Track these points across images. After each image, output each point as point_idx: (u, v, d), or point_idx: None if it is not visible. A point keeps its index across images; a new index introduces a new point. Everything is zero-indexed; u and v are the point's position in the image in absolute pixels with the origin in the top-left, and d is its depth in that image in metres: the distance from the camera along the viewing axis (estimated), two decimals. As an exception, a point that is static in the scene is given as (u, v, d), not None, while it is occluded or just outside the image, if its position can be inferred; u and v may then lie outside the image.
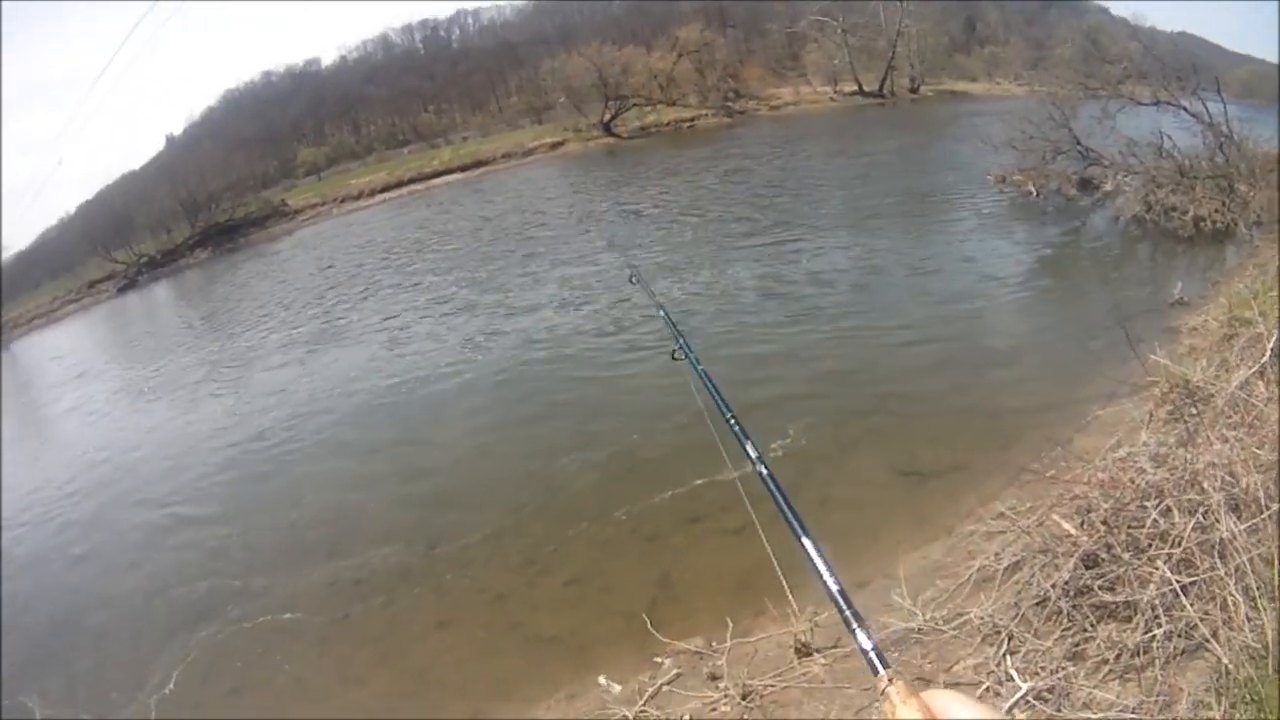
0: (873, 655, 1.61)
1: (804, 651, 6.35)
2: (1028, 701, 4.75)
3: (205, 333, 31.46)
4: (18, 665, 10.59)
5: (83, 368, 33.29)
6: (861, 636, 1.68)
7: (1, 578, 13.49)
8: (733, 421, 3.14)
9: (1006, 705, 4.74)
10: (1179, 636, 4.69)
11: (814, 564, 1.97)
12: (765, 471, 2.57)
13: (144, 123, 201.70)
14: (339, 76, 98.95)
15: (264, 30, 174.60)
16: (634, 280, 5.18)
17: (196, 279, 54.87)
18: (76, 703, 9.29)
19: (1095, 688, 4.71)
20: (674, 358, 4.17)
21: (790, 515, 2.19)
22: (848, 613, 1.78)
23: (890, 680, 1.48)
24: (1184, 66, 21.23)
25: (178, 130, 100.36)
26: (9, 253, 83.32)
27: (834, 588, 1.86)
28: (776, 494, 2.34)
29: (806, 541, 2.03)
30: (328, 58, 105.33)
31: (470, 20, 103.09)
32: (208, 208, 71.05)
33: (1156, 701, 4.46)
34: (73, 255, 75.79)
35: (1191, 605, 4.74)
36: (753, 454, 2.80)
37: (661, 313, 4.35)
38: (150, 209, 72.87)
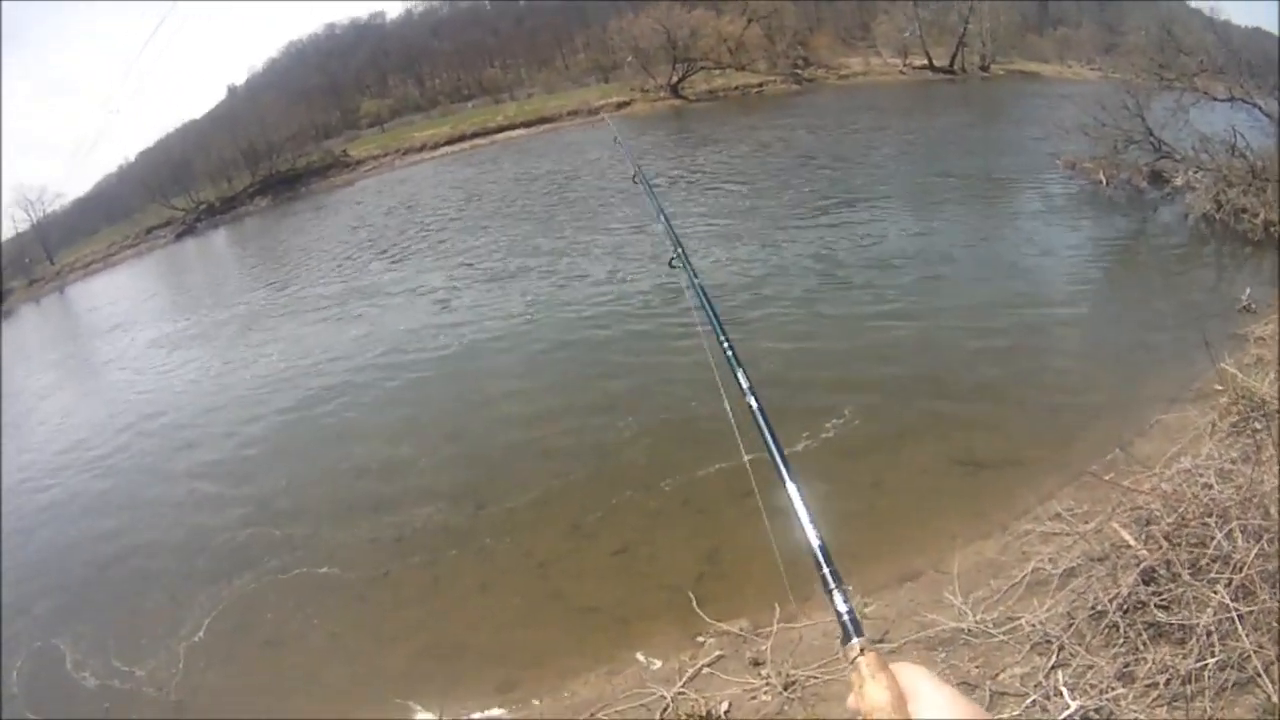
0: (847, 620, 1.56)
1: (849, 643, 6.29)
2: (1075, 720, 4.69)
3: (262, 282, 31.79)
4: (53, 609, 10.78)
5: (136, 315, 33.87)
6: (839, 599, 1.62)
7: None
8: (727, 346, 3.08)
9: (1055, 721, 4.69)
10: (1231, 668, 4.60)
11: (796, 511, 1.91)
12: (755, 405, 2.52)
13: (206, 73, 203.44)
14: (404, 29, 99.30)
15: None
16: (637, 180, 5.08)
17: (255, 226, 55.59)
18: (107, 648, 9.40)
19: (1142, 713, 4.64)
20: (671, 265, 4.13)
21: (776, 454, 2.13)
22: (826, 571, 1.72)
23: (861, 650, 1.43)
24: (1260, 63, 20.79)
25: (240, 81, 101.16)
26: (67, 200, 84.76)
27: (815, 542, 1.80)
28: (764, 429, 2.27)
29: (791, 486, 1.97)
30: (393, 11, 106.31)
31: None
32: (269, 157, 71.92)
33: (1203, 734, 4.39)
34: (131, 202, 76.99)
35: (1247, 636, 4.64)
36: (744, 383, 2.75)
37: (662, 218, 4.26)
38: (210, 157, 73.95)
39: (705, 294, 3.50)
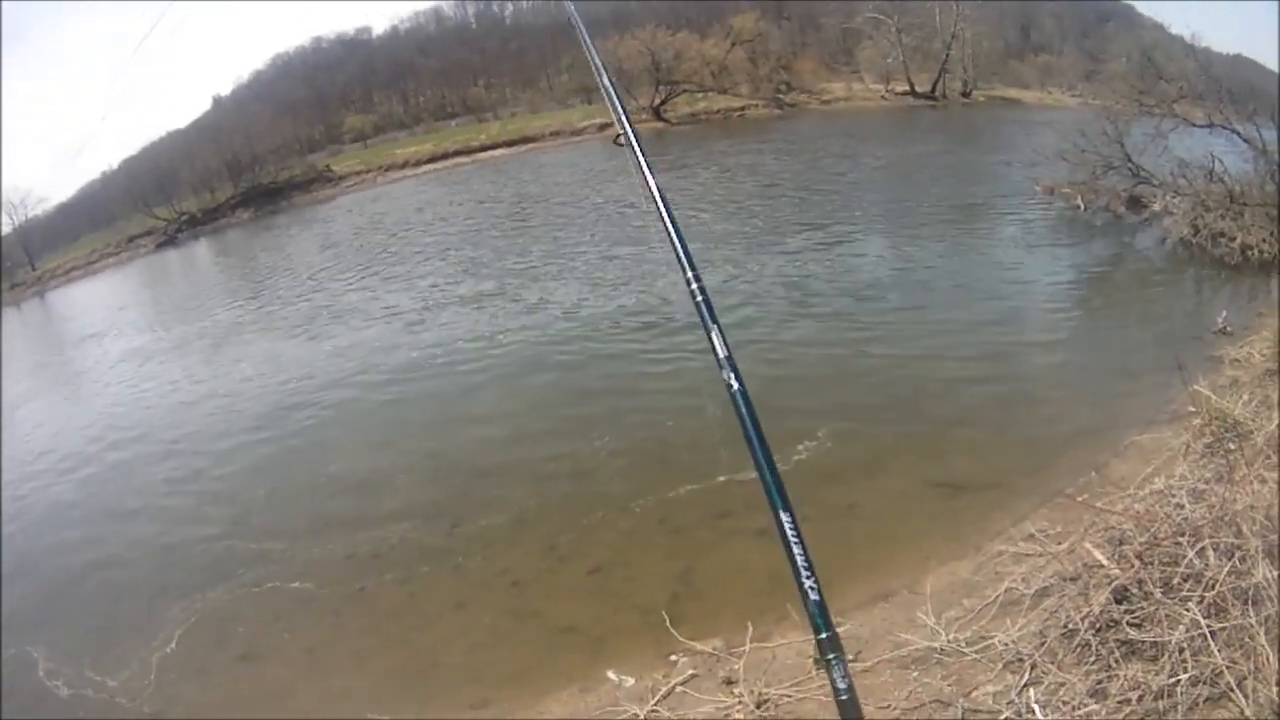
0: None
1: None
2: (1047, 738, 4.68)
3: (239, 297, 31.72)
4: (28, 617, 10.70)
5: (117, 324, 33.70)
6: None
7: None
8: (696, 290, 3.09)
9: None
10: (1204, 684, 4.59)
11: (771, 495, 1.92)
12: (735, 386, 2.52)
13: (192, 82, 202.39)
14: (390, 45, 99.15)
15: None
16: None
17: (237, 238, 55.60)
18: (80, 656, 9.34)
19: (1115, 729, 4.64)
20: (616, 143, 4.17)
21: (754, 437, 2.12)
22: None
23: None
24: (1240, 90, 20.96)
25: (225, 91, 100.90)
26: (50, 205, 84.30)
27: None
28: (742, 408, 2.25)
29: (769, 477, 1.98)
30: (379, 26, 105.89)
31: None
32: (252, 169, 71.68)
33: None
34: (114, 209, 76.64)
35: (1220, 652, 4.64)
36: (720, 351, 2.75)
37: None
38: (194, 167, 73.61)
39: (661, 195, 3.59)
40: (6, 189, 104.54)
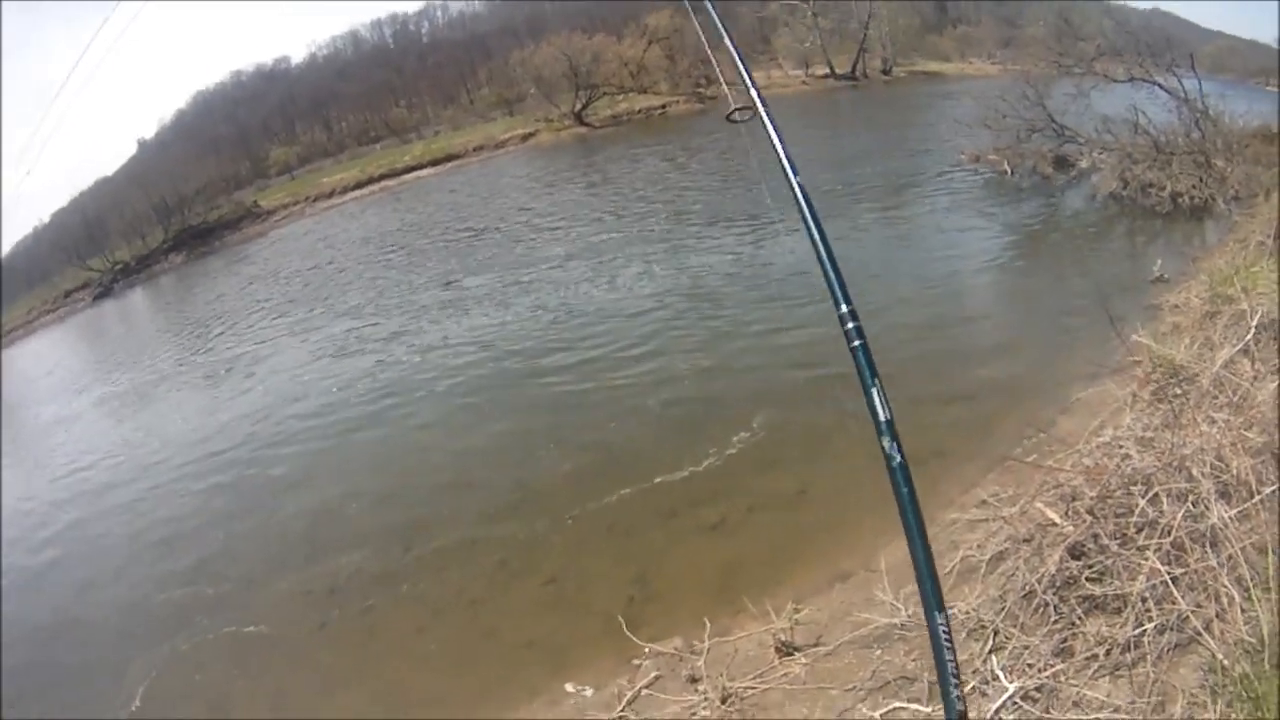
0: None
1: (785, 651, 6.22)
2: (1014, 703, 4.58)
3: (182, 341, 31.20)
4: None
5: (60, 381, 33.26)
6: None
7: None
8: (852, 330, 2.89)
9: (994, 707, 4.58)
10: (1171, 630, 4.54)
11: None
12: (898, 460, 2.33)
13: (115, 127, 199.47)
14: (309, 74, 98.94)
15: (233, 30, 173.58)
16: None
17: (171, 284, 55.07)
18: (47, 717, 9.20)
19: (1085, 686, 4.56)
20: (731, 119, 3.90)
21: (914, 525, 1.94)
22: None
23: None
24: (1157, 43, 21.21)
25: (149, 133, 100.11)
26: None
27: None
28: (902, 486, 2.06)
29: (925, 571, 1.79)
30: (298, 56, 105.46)
31: (439, 13, 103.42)
32: (180, 211, 71.12)
33: (1149, 701, 4.30)
34: (48, 265, 75.91)
35: (1183, 597, 4.60)
36: (880, 414, 2.57)
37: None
38: (124, 214, 73.13)
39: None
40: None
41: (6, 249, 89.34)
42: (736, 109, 3.89)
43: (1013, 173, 21.97)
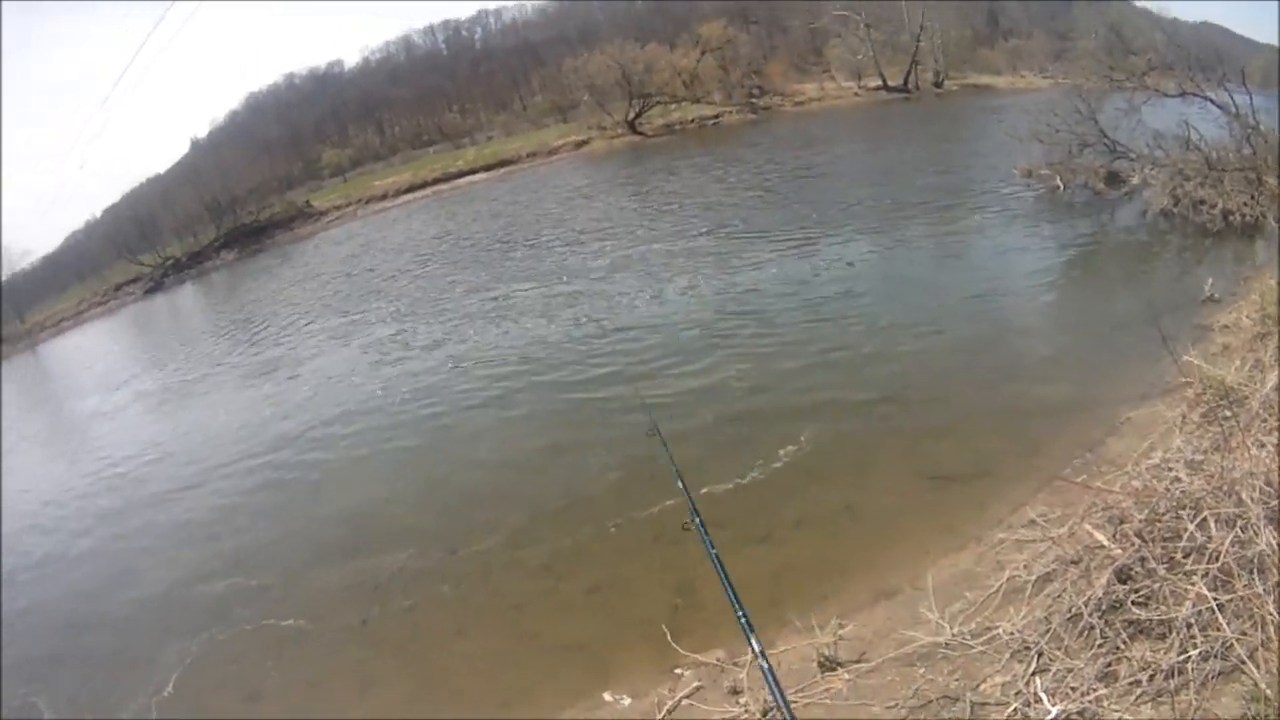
0: None
1: (828, 666, 6.22)
2: (1057, 725, 4.59)
3: (229, 338, 31.50)
4: (29, 664, 10.67)
5: (108, 372, 33.60)
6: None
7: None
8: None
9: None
10: (1215, 657, 4.53)
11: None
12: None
13: (168, 126, 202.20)
14: (362, 78, 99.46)
15: (286, 32, 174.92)
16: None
17: (222, 280, 55.47)
18: (80, 703, 9.36)
19: (1127, 711, 4.56)
20: (684, 528, 4.12)
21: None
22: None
23: None
24: (1208, 57, 21.00)
25: (201, 133, 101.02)
26: (35, 257, 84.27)
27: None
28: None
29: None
30: (350, 59, 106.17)
31: (492, 20, 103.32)
32: (232, 210, 71.81)
33: (1191, 729, 4.30)
34: (99, 258, 76.88)
35: (1228, 624, 4.58)
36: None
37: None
38: (175, 212, 73.99)
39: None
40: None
41: (59, 243, 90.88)
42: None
43: (1065, 188, 21.75)
